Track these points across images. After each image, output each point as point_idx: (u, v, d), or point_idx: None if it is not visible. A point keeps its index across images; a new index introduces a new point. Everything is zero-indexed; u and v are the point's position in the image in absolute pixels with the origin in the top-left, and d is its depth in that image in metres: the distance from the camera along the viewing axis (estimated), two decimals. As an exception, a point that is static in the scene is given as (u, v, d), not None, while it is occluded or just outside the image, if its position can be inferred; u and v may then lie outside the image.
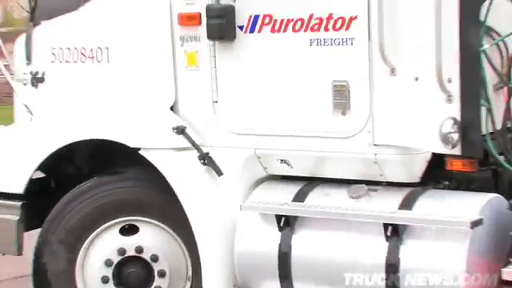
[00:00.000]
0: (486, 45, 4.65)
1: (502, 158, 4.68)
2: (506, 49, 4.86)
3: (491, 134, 4.68)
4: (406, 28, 4.55)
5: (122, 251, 5.43)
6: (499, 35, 4.79)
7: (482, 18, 4.63)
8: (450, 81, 4.38)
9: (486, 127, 4.69)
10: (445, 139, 4.42)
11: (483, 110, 4.65)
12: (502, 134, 4.72)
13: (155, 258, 5.37)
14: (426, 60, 4.42)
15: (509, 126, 4.86)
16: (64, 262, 5.51)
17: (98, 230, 5.45)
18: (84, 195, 5.46)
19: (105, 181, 5.55)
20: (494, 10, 4.71)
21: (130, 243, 5.51)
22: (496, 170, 4.79)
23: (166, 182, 5.18)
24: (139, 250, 5.39)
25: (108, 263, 5.45)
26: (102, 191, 5.47)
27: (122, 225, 5.50)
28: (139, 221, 5.50)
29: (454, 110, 4.39)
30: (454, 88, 4.39)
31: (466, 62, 4.39)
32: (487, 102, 4.66)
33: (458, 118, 4.41)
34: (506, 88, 4.78)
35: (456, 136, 4.41)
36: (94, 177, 5.60)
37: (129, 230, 5.56)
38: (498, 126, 4.74)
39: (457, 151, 4.42)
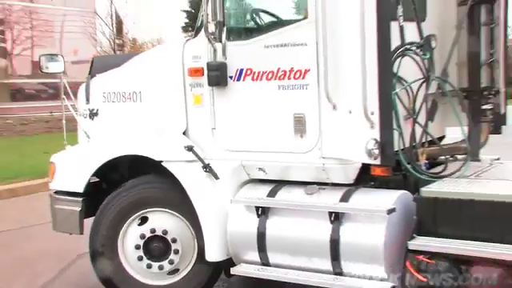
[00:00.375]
0: (398, 89, 4.54)
1: (409, 166, 4.57)
2: (412, 92, 4.69)
3: (402, 149, 4.55)
4: (343, 77, 4.38)
5: (151, 229, 5.13)
6: (406, 82, 4.63)
7: (394, 70, 4.48)
8: (372, 113, 4.26)
9: (398, 145, 4.55)
10: (369, 153, 4.32)
11: (396, 133, 4.50)
12: (409, 150, 4.60)
13: (164, 232, 5.11)
14: (356, 99, 4.27)
15: (413, 144, 4.67)
16: (109, 239, 5.26)
17: (133, 216, 5.18)
18: (121, 194, 5.24)
19: (135, 183, 5.29)
20: (402, 65, 4.57)
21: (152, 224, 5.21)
22: (405, 174, 4.65)
23: (177, 183, 4.95)
24: (153, 230, 5.11)
25: (150, 234, 5.15)
26: (134, 191, 5.23)
27: (144, 215, 5.20)
28: (154, 211, 5.20)
29: (376, 133, 4.30)
30: (375, 118, 4.28)
31: (383, 101, 4.27)
32: (399, 128, 4.53)
33: (378, 139, 4.30)
34: (411, 119, 4.64)
35: (377, 151, 4.30)
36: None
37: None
38: (407, 145, 4.63)
39: (377, 162, 4.33)
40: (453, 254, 4.04)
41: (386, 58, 4.22)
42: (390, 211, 4.16)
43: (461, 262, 4.03)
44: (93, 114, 5.72)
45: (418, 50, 4.68)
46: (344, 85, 4.37)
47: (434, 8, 5.24)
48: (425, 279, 4.12)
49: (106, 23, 24.56)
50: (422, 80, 4.68)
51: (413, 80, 4.64)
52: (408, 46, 4.62)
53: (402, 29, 4.57)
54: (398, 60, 4.54)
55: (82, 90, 5.79)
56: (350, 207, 4.40)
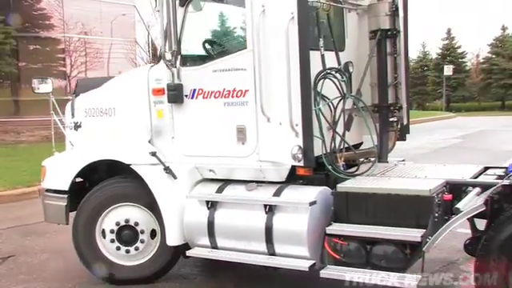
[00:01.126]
0: (321, 105, 4.53)
1: (330, 168, 4.58)
2: (333, 107, 4.70)
3: (325, 154, 4.56)
4: (274, 96, 4.40)
5: (124, 220, 5.08)
6: (328, 99, 4.65)
7: (318, 89, 4.49)
8: (297, 125, 4.28)
9: (322, 150, 4.55)
10: (294, 157, 4.33)
11: (320, 141, 4.51)
12: (330, 155, 4.61)
13: (134, 223, 5.04)
14: (284, 114, 4.31)
15: (334, 150, 4.64)
16: (87, 226, 5.18)
17: (108, 208, 5.11)
18: (98, 191, 5.18)
19: (109, 183, 5.21)
20: (325, 86, 4.59)
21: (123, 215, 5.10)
22: (327, 174, 4.64)
23: (144, 182, 4.88)
24: (127, 220, 5.06)
25: (123, 224, 5.08)
26: (108, 189, 5.16)
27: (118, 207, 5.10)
28: (128, 205, 5.10)
29: (299, 141, 4.32)
30: (299, 129, 4.30)
31: (305, 115, 4.31)
32: (322, 137, 4.53)
33: (301, 145, 4.32)
34: (332, 130, 4.64)
35: (300, 155, 4.32)
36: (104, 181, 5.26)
37: None
38: (329, 150, 4.61)
39: (301, 164, 4.35)
40: (360, 237, 4.12)
41: (307, 80, 4.28)
42: (312, 203, 4.22)
43: (367, 243, 4.10)
44: (77, 126, 5.62)
45: (336, 74, 4.73)
46: (275, 102, 4.39)
47: (351, 41, 5.33)
48: (339, 257, 4.17)
49: (144, 50, 25.08)
50: (339, 98, 4.73)
51: (333, 98, 4.67)
52: (328, 71, 4.66)
53: (323, 57, 4.64)
54: (321, 82, 4.58)
55: (68, 106, 5.68)
56: (281, 200, 4.42)
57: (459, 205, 3.83)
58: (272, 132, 4.43)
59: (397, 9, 5.08)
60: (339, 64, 4.82)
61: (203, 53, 5.03)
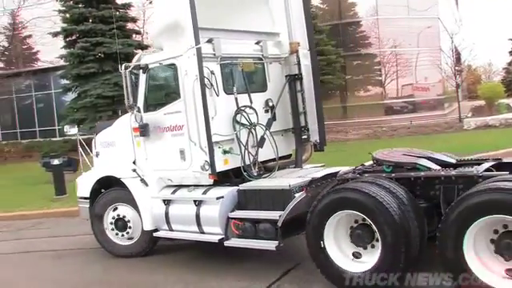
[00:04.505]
0: (237, 130, 6.37)
1: (245, 174, 6.35)
2: (252, 132, 6.54)
3: (243, 167, 6.36)
4: (195, 129, 6.12)
5: (118, 215, 7.15)
6: (245, 125, 6.45)
7: (238, 120, 6.36)
8: (205, 147, 6.04)
9: (242, 162, 6.37)
10: (203, 168, 6.14)
11: (240, 156, 6.38)
12: (248, 166, 6.43)
13: (125, 212, 7.04)
14: (199, 140, 6.08)
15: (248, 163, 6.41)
16: (99, 218, 7.26)
17: (110, 207, 7.16)
18: (103, 196, 7.27)
19: (110, 190, 7.23)
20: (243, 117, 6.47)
21: (118, 212, 7.16)
22: (244, 178, 6.33)
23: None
24: (121, 213, 7.09)
25: (117, 218, 7.14)
26: (110, 194, 7.21)
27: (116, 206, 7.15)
28: (121, 203, 7.09)
29: (207, 157, 6.08)
30: (206, 149, 6.07)
31: (208, 140, 6.07)
32: (240, 153, 6.38)
33: (208, 160, 6.07)
34: (251, 146, 6.44)
35: (207, 167, 6.10)
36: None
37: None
38: (247, 162, 6.43)
39: (208, 172, 6.14)
40: (249, 218, 5.96)
41: (207, 117, 6.13)
42: (219, 198, 6.11)
43: (254, 222, 5.91)
44: (97, 154, 7.72)
45: (248, 110, 6.67)
46: (196, 133, 6.23)
47: (273, 83, 7.21)
48: (237, 232, 6.05)
49: (448, 55, 27.69)
50: (250, 125, 6.63)
51: (244, 126, 6.52)
52: (242, 108, 6.60)
53: (236, 99, 6.59)
54: (239, 115, 6.52)
55: (94, 141, 7.84)
56: (204, 197, 6.31)
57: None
58: (196, 152, 6.31)
59: (299, 61, 6.97)
60: (251, 102, 6.73)
61: (157, 102, 6.91)
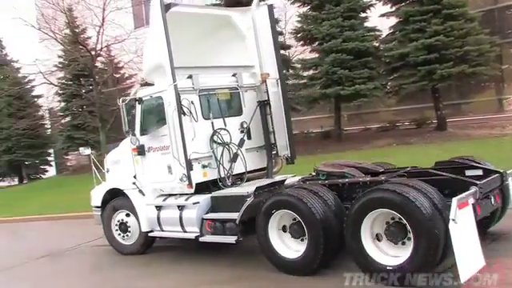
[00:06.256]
0: (215, 148, 7.79)
1: (220, 184, 7.72)
2: (228, 149, 7.90)
3: (218, 178, 7.76)
4: (176, 149, 7.45)
5: (121, 220, 8.77)
6: (223, 144, 7.83)
7: (215, 139, 7.76)
8: (183, 163, 7.36)
9: (218, 174, 7.75)
10: (181, 179, 7.51)
11: (216, 170, 7.76)
12: (223, 178, 7.75)
13: (127, 217, 8.62)
14: (179, 157, 7.43)
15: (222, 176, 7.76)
16: (109, 218, 8.84)
17: (115, 213, 8.79)
18: (110, 203, 8.82)
19: (116, 199, 8.75)
20: (219, 137, 7.84)
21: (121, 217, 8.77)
22: (220, 187, 7.68)
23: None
24: (123, 219, 8.70)
25: (120, 222, 8.76)
26: (115, 202, 8.74)
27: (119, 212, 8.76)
28: (123, 210, 8.62)
29: (184, 171, 7.40)
30: (184, 165, 7.35)
31: (185, 157, 7.35)
32: (217, 167, 7.73)
33: (185, 173, 7.39)
34: (227, 161, 7.86)
35: (185, 178, 7.44)
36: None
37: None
38: (222, 174, 7.78)
39: (186, 183, 7.48)
40: (218, 219, 7.34)
41: (183, 139, 7.45)
42: (195, 203, 7.52)
43: (222, 221, 7.27)
44: (107, 170, 9.39)
45: (222, 131, 8.08)
46: (177, 151, 7.59)
47: (248, 108, 8.57)
48: (210, 230, 7.43)
49: None
50: (224, 144, 8.03)
51: (215, 146, 7.89)
52: (217, 130, 8.01)
53: (212, 123, 8.01)
54: (214, 136, 7.93)
55: (105, 160, 9.56)
56: (185, 203, 7.69)
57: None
58: (177, 167, 7.72)
59: (267, 89, 8.39)
60: (225, 125, 8.16)
61: (149, 127, 8.28)
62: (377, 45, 19.20)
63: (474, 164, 6.49)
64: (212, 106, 8.21)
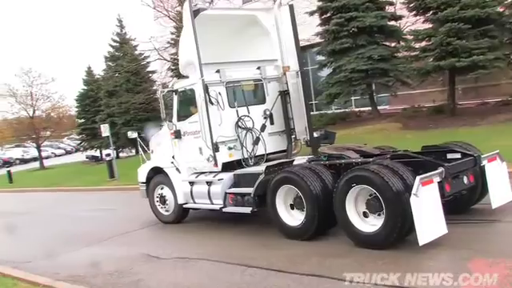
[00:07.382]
0: (240, 133, 9.27)
1: (244, 163, 8.98)
2: (252, 133, 9.12)
3: (242, 158, 9.03)
4: (205, 133, 8.72)
5: (161, 194, 10.17)
6: (249, 129, 9.18)
7: (241, 125, 9.02)
8: (209, 146, 8.67)
9: (242, 155, 8.97)
10: (208, 160, 8.76)
11: (238, 151, 9.04)
12: (247, 159, 8.97)
13: (166, 191, 9.98)
14: (207, 140, 8.69)
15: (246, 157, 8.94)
16: (152, 192, 10.25)
17: (156, 188, 10.23)
18: (153, 179, 10.20)
19: (157, 176, 10.17)
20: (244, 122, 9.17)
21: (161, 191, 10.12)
22: (243, 166, 8.88)
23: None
24: (163, 192, 10.07)
25: (160, 195, 10.17)
26: (156, 178, 10.13)
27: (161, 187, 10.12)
28: (163, 185, 9.99)
29: (211, 152, 8.63)
30: (210, 146, 8.58)
31: (211, 141, 8.58)
32: (242, 149, 8.97)
33: (212, 154, 8.64)
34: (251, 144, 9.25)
35: (211, 159, 8.70)
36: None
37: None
38: (245, 155, 8.97)
39: (212, 163, 8.74)
40: (239, 193, 8.56)
41: (210, 125, 8.71)
42: (220, 179, 8.80)
43: (242, 195, 8.48)
44: (152, 151, 10.79)
45: (246, 118, 9.31)
46: (205, 136, 8.87)
47: (271, 97, 9.72)
48: (232, 202, 8.67)
49: None
50: (247, 129, 9.26)
51: (242, 129, 9.08)
52: (241, 117, 9.23)
53: (237, 111, 9.21)
54: (240, 121, 9.16)
55: (150, 142, 10.91)
56: (212, 179, 8.97)
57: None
58: (206, 149, 9.02)
59: (287, 81, 9.50)
60: (249, 112, 9.36)
61: (184, 114, 9.63)
62: (501, 10, 17.57)
63: (455, 149, 7.35)
64: (237, 96, 9.39)
